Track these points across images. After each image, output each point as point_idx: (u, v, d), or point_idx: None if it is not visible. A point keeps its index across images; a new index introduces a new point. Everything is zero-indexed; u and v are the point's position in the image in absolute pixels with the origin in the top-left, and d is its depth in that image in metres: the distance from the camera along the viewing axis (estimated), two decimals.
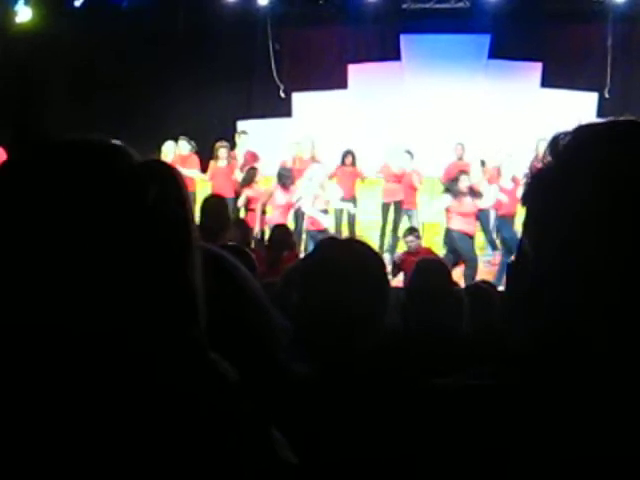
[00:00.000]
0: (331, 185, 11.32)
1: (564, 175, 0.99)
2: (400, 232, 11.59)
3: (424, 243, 10.17)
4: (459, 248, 10.42)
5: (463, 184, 10.23)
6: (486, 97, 15.32)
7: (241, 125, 15.55)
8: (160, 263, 1.06)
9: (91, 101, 14.31)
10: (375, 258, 2.04)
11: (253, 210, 11.18)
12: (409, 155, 12.26)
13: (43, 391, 0.99)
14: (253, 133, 13.77)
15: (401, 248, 11.01)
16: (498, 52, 15.46)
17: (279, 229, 7.90)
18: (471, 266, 10.29)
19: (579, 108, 14.32)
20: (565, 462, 0.93)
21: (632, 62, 14.60)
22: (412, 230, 9.98)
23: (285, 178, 11.14)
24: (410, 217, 12.12)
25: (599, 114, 14.34)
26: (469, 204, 10.29)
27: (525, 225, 1.04)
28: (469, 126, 14.56)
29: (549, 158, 1.02)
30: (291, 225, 11.46)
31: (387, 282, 2.07)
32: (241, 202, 11.49)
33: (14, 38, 13.92)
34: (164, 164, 1.15)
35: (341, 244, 2.18)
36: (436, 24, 15.19)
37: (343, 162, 12.55)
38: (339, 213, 12.25)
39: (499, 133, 14.38)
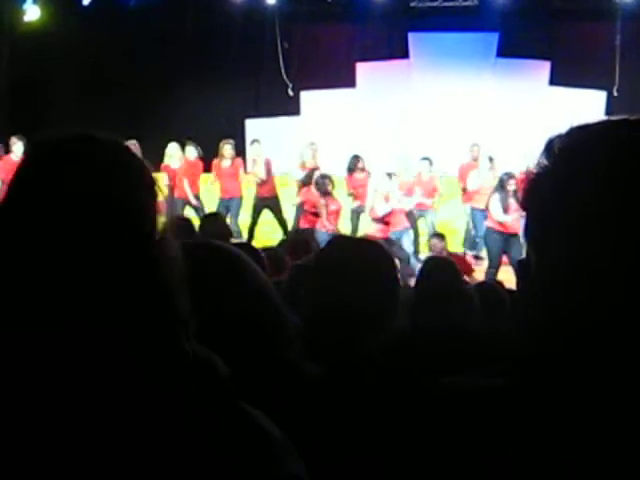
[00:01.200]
0: (397, 194, 11.21)
1: (562, 177, 0.98)
2: (421, 235, 11.63)
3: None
4: (486, 246, 10.50)
5: (511, 187, 10.27)
6: (494, 95, 15.31)
7: (249, 124, 15.59)
8: (124, 252, 1.06)
9: (99, 100, 14.34)
10: (385, 257, 2.04)
11: (307, 212, 11.16)
12: (428, 161, 12.18)
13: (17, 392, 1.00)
14: (261, 131, 13.76)
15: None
16: (506, 50, 15.46)
17: (297, 234, 7.80)
18: (492, 265, 10.25)
19: (588, 106, 14.31)
20: (569, 463, 0.93)
21: None
22: (437, 234, 10.11)
23: (322, 185, 11.00)
24: (425, 217, 12.00)
25: (607, 112, 14.31)
26: (513, 204, 10.28)
27: (526, 228, 1.03)
28: (477, 124, 14.55)
29: (545, 162, 1.02)
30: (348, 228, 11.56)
31: (397, 281, 2.06)
32: (298, 201, 11.63)
33: (22, 37, 13.96)
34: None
35: (352, 242, 2.19)
36: (444, 22, 15.20)
37: (354, 169, 12.33)
38: (355, 218, 12.19)
39: (507, 131, 14.36)
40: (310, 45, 16.16)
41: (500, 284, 5.19)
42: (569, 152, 1.00)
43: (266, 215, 12.32)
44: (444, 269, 3.53)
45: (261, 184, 12.21)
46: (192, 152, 12.56)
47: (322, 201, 10.90)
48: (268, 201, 12.21)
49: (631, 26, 14.42)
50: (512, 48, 15.27)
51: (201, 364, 1.09)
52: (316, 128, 14.92)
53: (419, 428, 1.08)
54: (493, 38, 15.56)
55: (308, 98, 16.14)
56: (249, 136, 15.19)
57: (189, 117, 14.74)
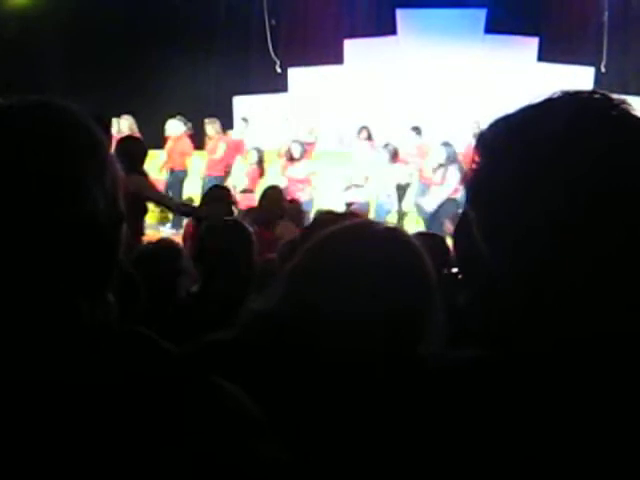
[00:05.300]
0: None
1: (498, 173, 0.97)
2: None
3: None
4: None
5: None
6: (483, 71, 15.27)
7: (237, 101, 15.52)
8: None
9: (86, 76, 14.24)
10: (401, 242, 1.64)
11: None
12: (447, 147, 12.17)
13: None
14: (249, 109, 13.70)
15: None
16: (494, 26, 15.41)
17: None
18: None
19: (576, 82, 14.29)
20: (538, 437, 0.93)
21: (628, 36, 14.59)
22: None
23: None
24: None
25: (595, 88, 14.32)
26: None
27: (477, 226, 1.01)
28: (466, 100, 14.53)
29: (478, 157, 1.01)
30: None
31: (426, 272, 1.58)
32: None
33: (9, 10, 13.86)
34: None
35: (336, 218, 2.10)
36: None
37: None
38: (402, 192, 12.20)
39: (495, 107, 14.29)
40: (298, 22, 16.09)
41: None
42: (497, 144, 0.99)
43: None
44: (430, 243, 3.51)
45: None
46: (180, 127, 12.70)
47: None
48: None
49: (618, 2, 14.42)
50: (500, 24, 15.20)
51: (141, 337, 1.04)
52: (304, 105, 14.89)
53: (405, 403, 1.08)
54: (481, 14, 15.53)
55: (296, 75, 16.07)
56: (236, 113, 15.15)
57: (177, 93, 14.65)
